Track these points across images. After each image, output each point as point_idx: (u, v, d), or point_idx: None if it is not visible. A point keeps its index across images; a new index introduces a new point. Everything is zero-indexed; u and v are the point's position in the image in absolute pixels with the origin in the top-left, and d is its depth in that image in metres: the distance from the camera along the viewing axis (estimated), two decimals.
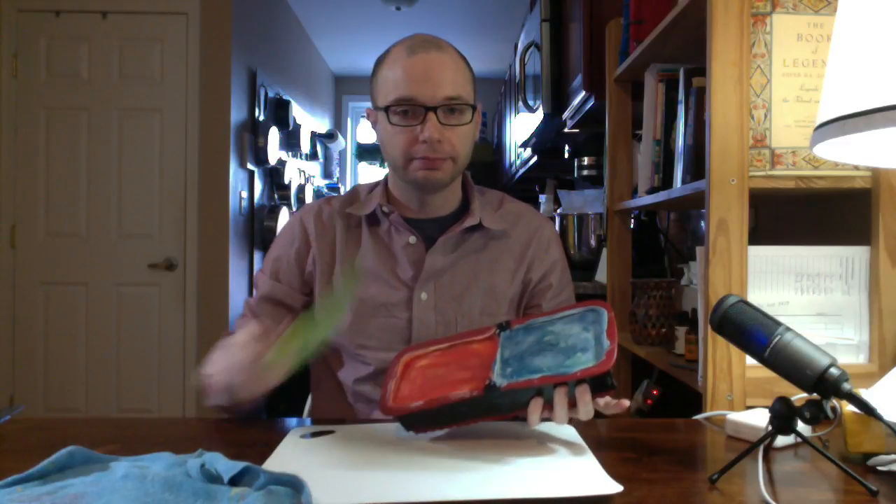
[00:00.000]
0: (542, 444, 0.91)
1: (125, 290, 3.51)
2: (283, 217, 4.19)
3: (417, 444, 0.92)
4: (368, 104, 1.19)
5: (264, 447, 0.89)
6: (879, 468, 0.83)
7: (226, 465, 0.72)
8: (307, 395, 1.35)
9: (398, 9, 4.66)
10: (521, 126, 3.62)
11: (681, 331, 1.51)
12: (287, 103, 4.35)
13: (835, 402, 0.82)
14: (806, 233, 1.57)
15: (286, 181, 4.32)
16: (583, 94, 2.37)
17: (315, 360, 1.25)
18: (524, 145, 3.71)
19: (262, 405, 1.07)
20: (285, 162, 4.39)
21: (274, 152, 4.05)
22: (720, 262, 1.17)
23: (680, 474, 0.83)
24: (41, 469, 0.75)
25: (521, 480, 0.77)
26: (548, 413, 0.87)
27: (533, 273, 1.22)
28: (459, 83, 1.11)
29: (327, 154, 5.74)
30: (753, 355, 0.84)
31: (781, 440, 0.91)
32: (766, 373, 0.84)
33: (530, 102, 3.07)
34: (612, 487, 0.73)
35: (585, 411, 0.86)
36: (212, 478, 0.72)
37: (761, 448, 0.81)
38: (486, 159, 5.96)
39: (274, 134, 4.05)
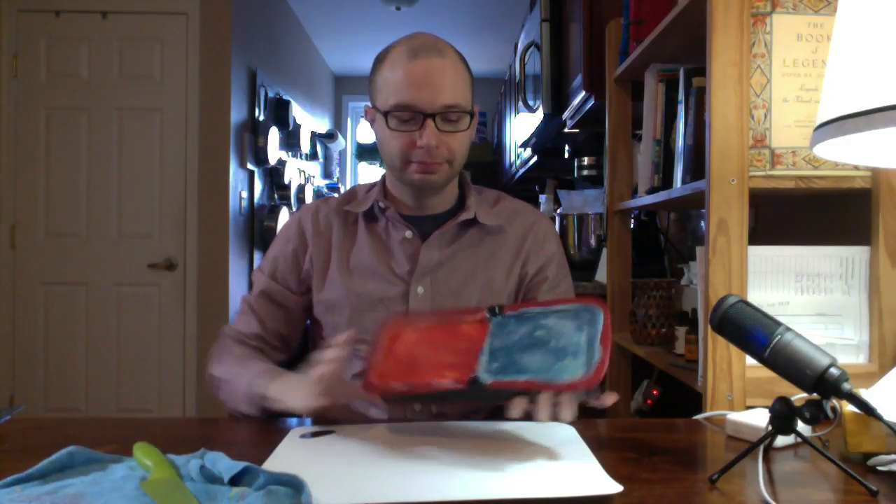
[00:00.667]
0: (542, 444, 0.90)
1: (125, 290, 3.51)
2: (283, 217, 4.19)
3: (417, 444, 0.91)
4: (368, 104, 1.20)
5: (264, 447, 0.89)
6: (879, 468, 0.83)
7: (226, 465, 0.72)
8: None
9: (398, 9, 4.66)
10: (521, 126, 3.62)
11: (681, 331, 1.51)
12: (287, 103, 4.35)
13: (835, 402, 0.82)
14: (806, 233, 1.57)
15: (286, 181, 4.32)
16: (583, 94, 2.37)
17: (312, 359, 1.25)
18: (524, 145, 3.71)
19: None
20: (285, 162, 4.39)
21: (274, 152, 4.05)
22: (720, 262, 1.17)
23: (680, 474, 0.83)
24: (41, 469, 0.75)
25: (520, 480, 0.77)
26: (530, 408, 0.86)
27: (529, 267, 1.23)
28: (459, 90, 1.11)
29: (327, 154, 5.74)
30: (753, 355, 0.84)
31: (781, 440, 0.91)
32: (766, 373, 0.84)
33: (530, 102, 3.07)
34: (612, 487, 0.73)
35: (569, 415, 0.84)
36: (212, 478, 0.72)
37: (761, 448, 0.81)
38: (486, 159, 5.96)
39: (274, 134, 4.05)
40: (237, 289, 3.68)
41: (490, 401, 0.87)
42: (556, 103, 2.81)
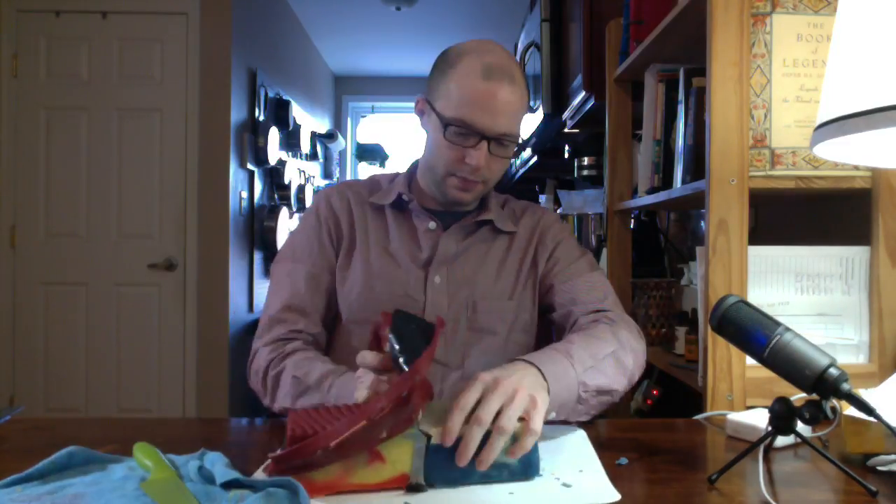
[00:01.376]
0: (546, 447, 0.90)
1: (125, 290, 3.51)
2: (284, 217, 4.19)
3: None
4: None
5: (264, 447, 0.89)
6: (879, 468, 0.83)
7: (221, 471, 0.71)
8: None
9: (398, 9, 4.65)
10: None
11: (681, 331, 1.51)
12: (287, 103, 4.35)
13: (834, 402, 0.82)
14: (806, 233, 1.57)
15: (286, 181, 4.32)
16: (583, 94, 2.37)
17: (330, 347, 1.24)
18: (524, 145, 3.71)
19: None
20: (285, 162, 4.39)
21: (274, 152, 4.05)
22: (720, 262, 1.17)
23: (680, 474, 0.83)
24: (41, 469, 0.75)
25: (517, 486, 0.77)
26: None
27: (539, 259, 1.23)
28: (517, 120, 1.14)
29: (327, 154, 5.74)
30: (753, 355, 0.84)
31: (781, 440, 0.91)
32: (766, 373, 0.84)
33: (530, 102, 3.07)
34: (611, 496, 0.73)
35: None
36: (211, 479, 0.72)
37: (761, 448, 0.81)
38: None
39: (274, 134, 4.05)
40: (237, 289, 3.68)
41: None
42: (556, 103, 2.80)
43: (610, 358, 1.03)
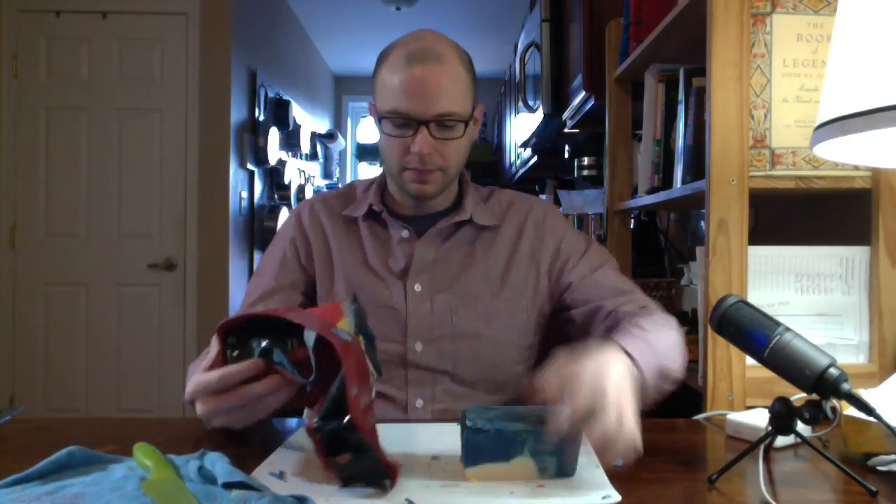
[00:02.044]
0: None
1: (125, 290, 3.51)
2: (283, 217, 4.18)
3: (417, 445, 0.91)
4: (372, 100, 1.19)
5: (264, 447, 0.89)
6: (879, 468, 0.83)
7: (223, 469, 0.71)
8: None
9: (398, 9, 4.66)
10: (521, 126, 3.62)
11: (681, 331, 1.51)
12: (287, 103, 4.35)
13: (834, 402, 0.82)
14: (806, 233, 1.57)
15: (286, 181, 4.32)
16: (583, 94, 2.37)
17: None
18: (524, 145, 3.71)
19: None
20: (285, 162, 4.39)
21: (274, 152, 4.05)
22: (720, 262, 1.17)
23: (680, 474, 0.83)
24: (41, 469, 0.75)
25: (518, 486, 0.77)
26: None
27: (541, 257, 1.20)
28: (456, 98, 1.10)
29: (327, 154, 5.74)
30: (753, 355, 0.84)
31: (781, 440, 0.91)
32: (766, 373, 0.84)
33: (530, 102, 3.07)
34: (611, 497, 0.73)
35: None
36: (211, 479, 0.72)
37: (761, 448, 0.81)
38: (486, 159, 5.96)
39: (274, 134, 4.05)
40: (237, 289, 3.68)
41: None
42: (556, 103, 2.80)
43: (676, 346, 1.02)
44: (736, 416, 0.99)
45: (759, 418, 0.95)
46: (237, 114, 3.64)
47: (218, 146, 3.53)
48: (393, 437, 0.93)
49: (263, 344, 0.79)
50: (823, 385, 0.78)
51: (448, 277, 1.17)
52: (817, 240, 1.28)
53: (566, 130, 2.84)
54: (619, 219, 2.02)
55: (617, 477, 0.78)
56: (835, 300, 1.20)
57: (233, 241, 3.62)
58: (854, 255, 1.20)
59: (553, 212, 1.27)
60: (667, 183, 1.60)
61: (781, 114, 1.20)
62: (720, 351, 1.16)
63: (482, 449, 0.78)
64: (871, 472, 0.82)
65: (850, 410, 0.82)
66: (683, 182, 1.45)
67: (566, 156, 3.24)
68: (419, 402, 1.14)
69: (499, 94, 5.82)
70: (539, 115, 2.90)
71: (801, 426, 0.82)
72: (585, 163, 2.93)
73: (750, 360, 1.14)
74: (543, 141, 3.41)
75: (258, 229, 4.00)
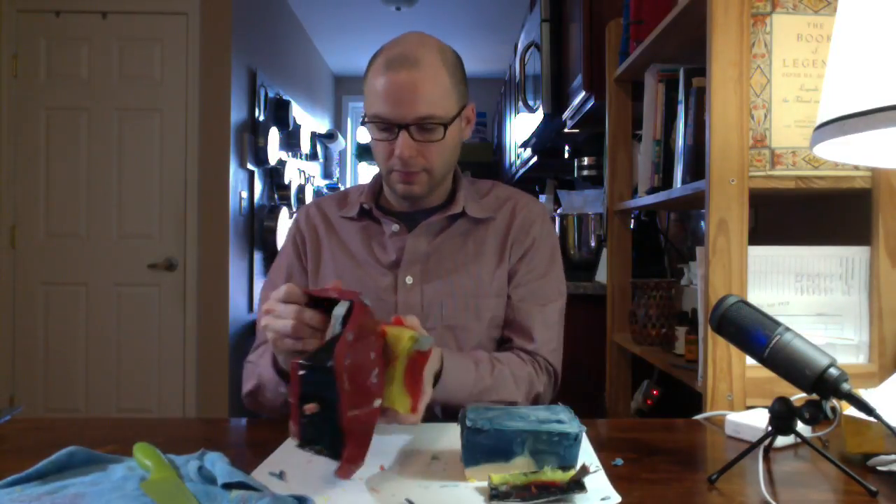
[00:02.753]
0: None
1: (125, 290, 3.51)
2: (283, 217, 4.19)
3: (417, 445, 0.91)
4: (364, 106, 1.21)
5: (264, 447, 0.89)
6: (879, 468, 0.83)
7: (222, 470, 0.71)
8: None
9: (398, 9, 4.65)
10: (521, 126, 3.62)
11: (681, 331, 1.51)
12: (287, 103, 4.35)
13: (834, 402, 0.82)
14: (806, 233, 1.57)
15: (286, 181, 4.32)
16: (583, 94, 2.37)
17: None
18: (524, 145, 3.71)
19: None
20: (285, 162, 4.39)
21: (274, 152, 4.05)
22: (720, 262, 1.17)
23: (680, 474, 0.83)
24: (40, 469, 0.75)
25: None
26: None
27: (513, 256, 1.21)
28: (435, 101, 1.10)
29: (327, 154, 5.73)
30: (753, 355, 0.84)
31: (781, 440, 0.91)
32: (766, 373, 0.84)
33: (530, 102, 3.07)
34: (612, 498, 0.73)
35: None
36: (211, 479, 0.72)
37: (761, 448, 0.81)
38: (486, 159, 5.96)
39: (274, 134, 4.05)
40: (237, 289, 3.68)
41: None
42: (556, 103, 2.81)
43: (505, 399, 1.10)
44: (736, 416, 0.99)
45: (759, 418, 0.95)
46: (237, 114, 3.64)
47: (218, 146, 3.53)
48: (393, 437, 0.93)
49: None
50: (823, 385, 0.78)
51: (439, 270, 1.19)
52: (817, 240, 1.28)
53: (566, 130, 2.85)
54: (619, 219, 2.02)
55: (617, 477, 0.78)
56: (835, 300, 1.20)
57: (233, 241, 3.62)
58: (854, 255, 1.20)
59: (541, 219, 1.26)
60: (667, 183, 1.60)
61: (781, 114, 1.20)
62: (720, 351, 1.16)
63: (482, 449, 0.79)
64: (871, 472, 0.82)
65: (850, 410, 0.82)
66: (683, 182, 1.45)
67: (566, 156, 3.24)
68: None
69: (499, 94, 5.82)
70: (539, 115, 2.90)
71: (801, 426, 0.82)
72: (585, 163, 2.93)
73: (750, 360, 1.14)
74: (543, 141, 3.41)
75: (258, 229, 4.00)
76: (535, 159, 3.80)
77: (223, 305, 3.54)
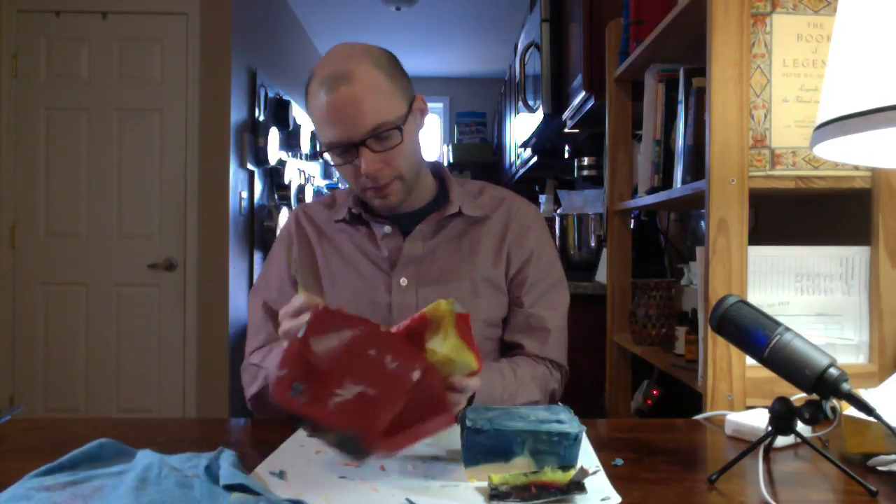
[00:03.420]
0: None
1: (125, 290, 3.50)
2: (283, 217, 4.19)
3: (417, 445, 0.91)
4: None
5: (264, 447, 0.89)
6: (879, 468, 0.83)
7: (226, 471, 0.71)
8: None
9: (398, 9, 4.66)
10: (521, 126, 3.62)
11: (681, 331, 1.51)
12: (287, 103, 4.35)
13: (834, 402, 0.82)
14: (806, 233, 1.57)
15: (286, 181, 4.32)
16: (583, 94, 2.37)
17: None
18: (524, 145, 3.71)
19: None
20: (285, 162, 4.39)
21: (274, 152, 4.05)
22: (720, 262, 1.17)
23: (680, 474, 0.83)
24: (73, 458, 0.76)
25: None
26: None
27: (512, 262, 1.22)
28: (381, 108, 1.08)
29: None
30: (753, 355, 0.84)
31: (781, 440, 0.91)
32: (766, 373, 0.84)
33: (530, 102, 3.07)
34: (612, 499, 0.73)
35: None
36: (216, 478, 0.72)
37: (761, 448, 0.81)
38: (486, 159, 5.96)
39: (274, 134, 4.05)
40: (237, 289, 3.68)
41: None
42: (556, 103, 2.81)
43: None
44: (736, 416, 0.99)
45: (759, 418, 0.95)
46: (237, 114, 3.64)
47: (218, 146, 3.53)
48: None
49: None
50: (823, 385, 0.78)
51: (434, 271, 1.18)
52: (817, 240, 1.28)
53: (566, 130, 2.85)
54: (619, 219, 2.02)
55: (617, 477, 0.78)
56: (835, 300, 1.20)
57: (233, 241, 3.62)
58: (854, 255, 1.20)
59: (537, 224, 1.26)
60: (667, 183, 1.60)
61: (781, 114, 1.20)
62: (720, 351, 1.16)
63: (482, 449, 0.79)
64: (871, 472, 0.82)
65: (850, 410, 0.82)
66: (683, 182, 1.45)
67: (566, 156, 3.24)
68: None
69: (499, 94, 5.82)
70: (539, 115, 2.90)
71: (801, 426, 0.82)
72: (585, 163, 2.93)
73: (750, 360, 1.14)
74: (543, 141, 3.41)
75: (258, 229, 4.00)
76: (535, 159, 3.80)
77: (223, 305, 3.54)
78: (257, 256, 4.00)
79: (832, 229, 1.45)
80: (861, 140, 0.93)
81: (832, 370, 0.78)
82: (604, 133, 2.06)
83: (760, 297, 1.19)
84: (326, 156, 1.14)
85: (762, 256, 1.20)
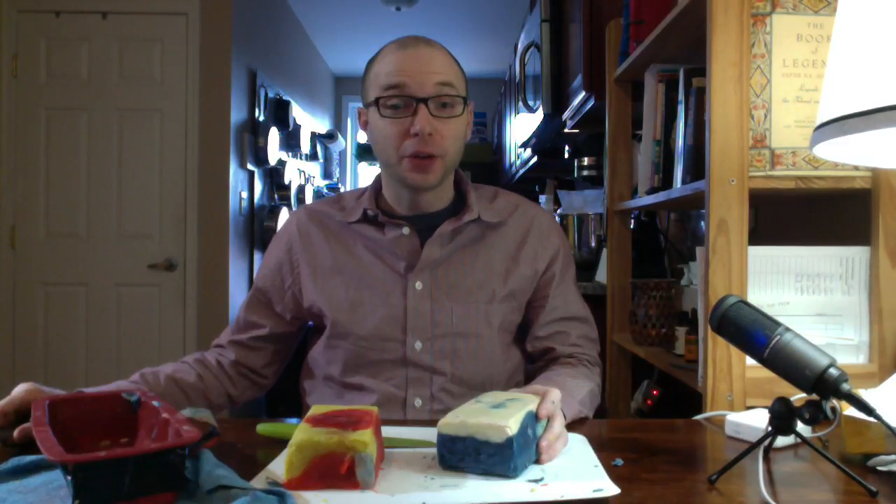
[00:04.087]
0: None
1: (125, 290, 3.51)
2: (283, 217, 4.19)
3: (417, 446, 0.91)
4: (361, 106, 1.19)
5: (264, 447, 0.89)
6: (879, 468, 0.83)
7: (206, 476, 0.71)
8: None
9: (398, 9, 4.66)
10: (521, 126, 3.62)
11: (681, 331, 1.51)
12: (287, 103, 4.35)
13: (834, 402, 0.82)
14: (806, 233, 1.57)
15: (286, 181, 4.32)
16: (583, 94, 2.37)
17: (304, 368, 1.28)
18: (524, 145, 3.71)
19: None
20: (285, 162, 4.39)
21: (274, 153, 4.05)
22: (720, 262, 1.17)
23: (680, 474, 0.83)
24: (35, 461, 0.77)
25: (519, 482, 0.77)
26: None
27: (539, 263, 1.22)
28: (451, 73, 1.12)
29: (327, 154, 5.73)
30: (753, 355, 0.84)
31: (781, 440, 0.91)
32: (766, 373, 0.84)
33: (530, 103, 3.07)
34: (610, 490, 0.73)
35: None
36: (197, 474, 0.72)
37: (761, 448, 0.81)
38: (486, 159, 5.96)
39: (274, 134, 4.05)
40: (237, 289, 3.68)
41: None
42: (556, 103, 2.81)
43: (587, 396, 1.13)
44: (736, 417, 0.99)
45: (759, 418, 0.95)
46: (237, 114, 3.64)
47: (218, 146, 3.53)
48: (393, 438, 0.93)
49: None
50: (823, 385, 0.78)
51: (450, 276, 1.17)
52: (817, 240, 1.28)
53: (566, 130, 2.84)
54: (619, 219, 2.02)
55: (617, 477, 0.78)
56: (835, 300, 1.20)
57: (233, 241, 3.62)
58: (854, 255, 1.20)
59: (556, 226, 1.29)
60: (667, 183, 1.60)
61: (781, 114, 1.20)
62: (720, 351, 1.16)
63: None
64: (871, 472, 0.82)
65: (850, 410, 0.82)
66: (683, 182, 1.45)
67: (566, 156, 3.24)
68: (418, 402, 1.14)
69: (499, 94, 5.82)
70: (539, 116, 2.90)
71: (801, 426, 0.82)
72: (585, 163, 2.93)
73: (750, 360, 1.14)
74: (543, 141, 3.41)
75: (258, 229, 4.00)
76: (535, 159, 3.80)
77: (223, 305, 3.54)
78: (257, 256, 4.00)
79: (832, 229, 1.45)
80: (861, 140, 0.93)
81: (832, 370, 0.78)
82: (604, 133, 2.06)
83: (760, 297, 1.19)
84: (373, 112, 1.12)
85: (762, 256, 1.20)
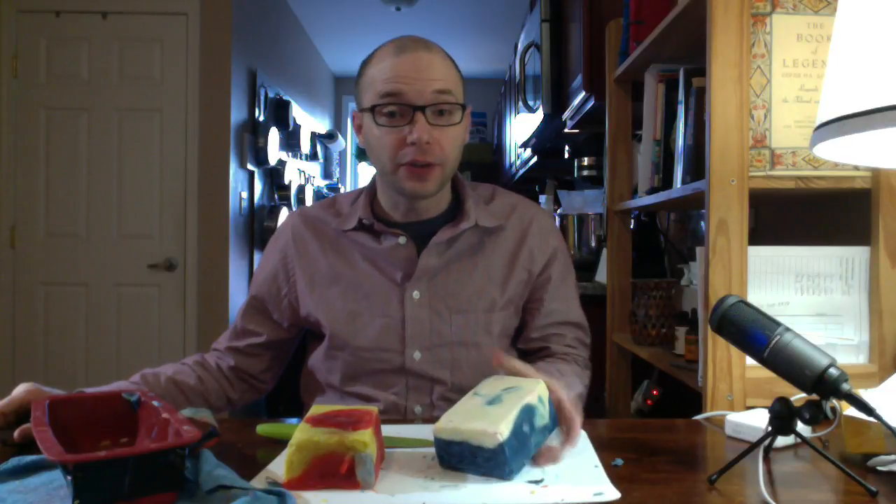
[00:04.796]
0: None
1: (125, 290, 3.51)
2: (283, 217, 4.18)
3: (417, 446, 0.91)
4: (352, 113, 1.18)
5: (263, 447, 0.89)
6: (879, 468, 0.83)
7: (206, 476, 0.71)
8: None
9: (398, 9, 4.65)
10: (521, 126, 3.62)
11: (681, 331, 1.51)
12: (287, 103, 4.35)
13: (834, 402, 0.82)
14: (806, 233, 1.57)
15: (286, 181, 4.32)
16: (583, 94, 2.37)
17: (303, 375, 1.27)
18: (524, 145, 3.71)
19: None
20: (285, 162, 4.39)
21: (274, 153, 4.05)
22: (720, 262, 1.17)
23: (680, 474, 0.83)
24: (36, 461, 0.77)
25: (520, 483, 0.77)
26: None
27: (535, 265, 1.20)
28: (450, 79, 1.08)
29: (327, 154, 5.73)
30: (753, 355, 0.84)
31: (781, 440, 0.91)
32: (766, 373, 0.84)
33: (530, 103, 3.07)
34: (611, 494, 0.73)
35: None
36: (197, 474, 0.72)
37: (761, 448, 0.81)
38: (486, 160, 5.96)
39: (274, 134, 4.05)
40: (237, 289, 3.68)
41: None
42: (556, 103, 2.80)
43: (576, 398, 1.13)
44: (736, 417, 0.99)
45: (759, 418, 0.95)
46: (237, 114, 3.64)
47: (218, 146, 3.53)
48: (393, 438, 0.93)
49: None
50: (823, 385, 0.78)
51: (448, 285, 1.15)
52: (817, 240, 1.28)
53: (566, 130, 2.84)
54: (619, 219, 2.02)
55: (617, 477, 0.78)
56: (835, 300, 1.20)
57: (233, 241, 3.62)
58: (854, 255, 1.20)
59: (554, 227, 1.27)
60: (667, 183, 1.60)
61: (781, 114, 1.20)
62: (720, 351, 1.16)
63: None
64: (871, 472, 0.82)
65: (850, 410, 0.82)
66: (683, 182, 1.45)
67: (566, 156, 3.24)
68: (418, 409, 1.14)
69: (499, 94, 5.82)
70: (539, 116, 2.90)
71: (801, 426, 0.82)
72: (585, 163, 2.93)
73: (750, 360, 1.14)
74: (543, 141, 3.41)
75: (258, 229, 4.00)
76: (535, 159, 3.80)
77: (223, 305, 3.54)
78: (257, 256, 4.00)
79: (832, 229, 1.45)
80: (861, 140, 0.93)
81: (832, 370, 0.78)
82: (604, 133, 2.06)
83: (760, 297, 1.19)
84: (368, 119, 1.09)
85: (762, 256, 1.20)
